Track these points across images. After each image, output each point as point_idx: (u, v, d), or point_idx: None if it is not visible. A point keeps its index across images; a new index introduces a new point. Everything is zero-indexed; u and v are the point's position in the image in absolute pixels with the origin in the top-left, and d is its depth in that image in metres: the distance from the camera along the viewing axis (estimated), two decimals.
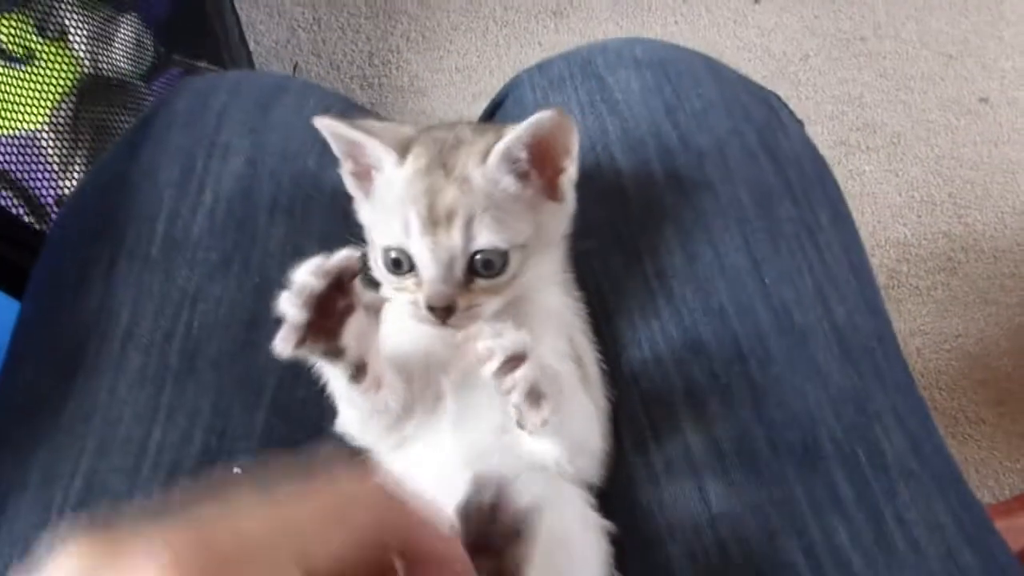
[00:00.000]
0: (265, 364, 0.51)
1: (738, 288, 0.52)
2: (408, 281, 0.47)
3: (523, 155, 0.47)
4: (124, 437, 0.48)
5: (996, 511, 1.24)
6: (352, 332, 0.42)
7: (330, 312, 0.40)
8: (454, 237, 0.45)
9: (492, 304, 0.47)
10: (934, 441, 0.53)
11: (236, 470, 0.48)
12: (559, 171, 0.49)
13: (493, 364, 0.40)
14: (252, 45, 1.51)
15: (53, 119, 1.00)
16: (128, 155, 0.57)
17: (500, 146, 0.47)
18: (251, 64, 1.42)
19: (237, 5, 1.38)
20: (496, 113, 0.68)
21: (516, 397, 0.40)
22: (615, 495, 0.50)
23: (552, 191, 0.50)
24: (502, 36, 1.57)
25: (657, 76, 0.60)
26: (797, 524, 0.47)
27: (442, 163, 0.47)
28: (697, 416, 0.50)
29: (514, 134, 0.46)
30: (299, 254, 0.54)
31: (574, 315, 0.51)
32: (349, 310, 0.41)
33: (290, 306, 0.39)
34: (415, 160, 0.48)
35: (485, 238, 0.46)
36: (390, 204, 0.48)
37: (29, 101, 0.97)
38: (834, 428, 0.50)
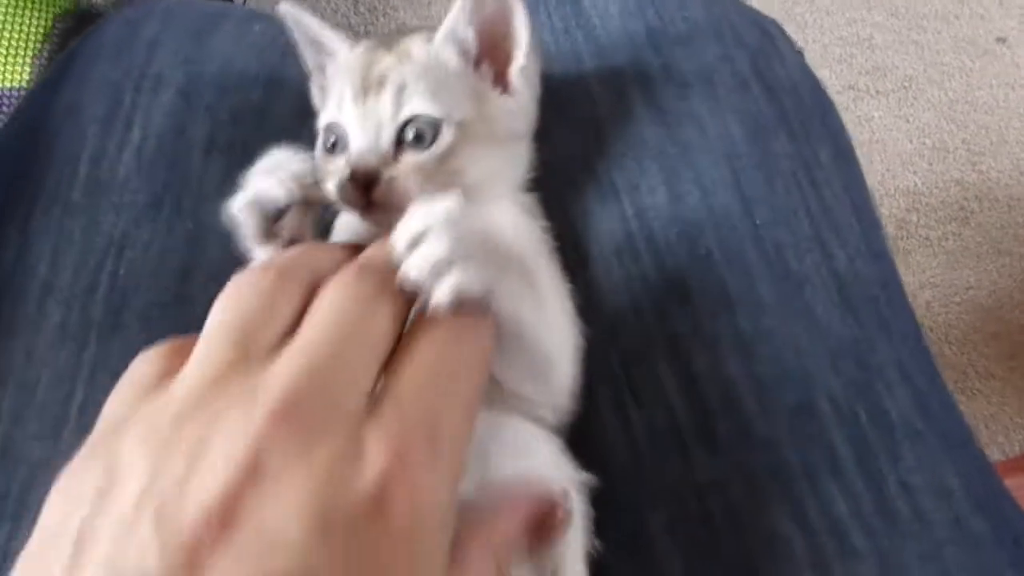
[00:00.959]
0: (199, 317, 0.46)
1: (727, 231, 0.47)
2: (340, 160, 0.43)
3: (469, 36, 0.44)
4: (42, 401, 0.44)
5: (1006, 468, 1.20)
6: (288, 224, 0.40)
7: None
8: (383, 102, 0.42)
9: (418, 182, 0.42)
10: (942, 397, 0.48)
11: None
12: (509, 60, 0.46)
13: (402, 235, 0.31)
14: None
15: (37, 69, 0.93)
16: (51, 92, 0.52)
17: (444, 25, 0.44)
18: None
19: None
20: None
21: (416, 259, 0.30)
22: (590, 458, 0.46)
23: (504, 83, 0.46)
24: None
25: None
26: (791, 492, 0.43)
27: (388, 44, 0.45)
28: (681, 373, 0.46)
29: (455, 9, 0.43)
30: None
31: (538, 240, 0.46)
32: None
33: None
34: (364, 44, 0.46)
35: (417, 104, 0.42)
36: (333, 86, 0.46)
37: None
38: (832, 385, 0.45)
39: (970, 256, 1.34)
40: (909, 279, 1.32)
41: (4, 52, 0.91)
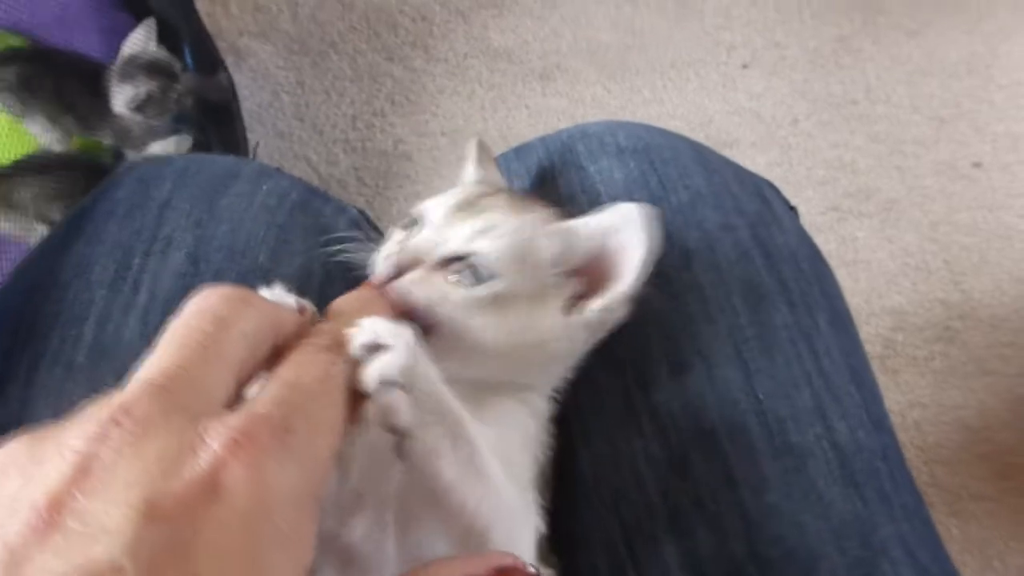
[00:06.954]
0: None
1: (729, 405, 0.47)
2: (397, 241, 0.45)
3: (582, 250, 0.46)
4: None
5: None
6: None
7: None
8: (463, 228, 0.43)
9: (445, 298, 0.41)
10: (945, 570, 0.48)
11: None
12: (592, 293, 0.46)
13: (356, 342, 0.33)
14: None
15: None
16: (60, 249, 0.52)
17: (568, 224, 0.46)
18: (242, 125, 1.38)
19: None
20: None
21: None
22: None
23: (576, 307, 0.46)
24: (488, 100, 1.54)
25: (641, 165, 0.56)
26: None
27: (513, 192, 0.48)
28: (683, 550, 0.45)
29: (589, 221, 0.45)
30: None
31: (534, 442, 0.45)
32: None
33: None
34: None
35: (489, 248, 0.42)
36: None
37: None
38: (837, 565, 0.44)
39: (957, 375, 1.35)
40: (898, 398, 1.32)
41: None
